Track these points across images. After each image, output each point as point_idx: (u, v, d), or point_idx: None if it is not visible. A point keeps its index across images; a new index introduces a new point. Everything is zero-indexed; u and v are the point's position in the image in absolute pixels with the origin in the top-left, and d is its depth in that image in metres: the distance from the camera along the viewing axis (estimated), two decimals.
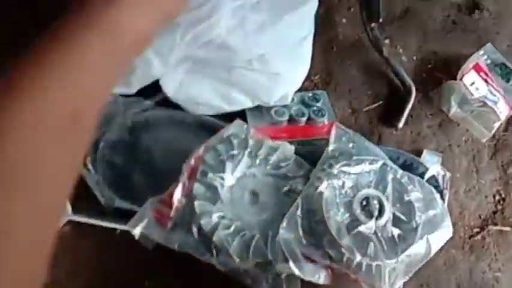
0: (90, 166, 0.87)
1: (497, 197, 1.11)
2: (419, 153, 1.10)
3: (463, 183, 1.10)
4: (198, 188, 0.80)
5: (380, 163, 0.85)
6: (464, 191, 1.10)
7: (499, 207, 1.10)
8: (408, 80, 1.15)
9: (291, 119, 1.00)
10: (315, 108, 1.03)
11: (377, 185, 0.83)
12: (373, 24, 1.13)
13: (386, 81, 1.18)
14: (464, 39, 1.25)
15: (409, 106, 1.14)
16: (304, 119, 1.00)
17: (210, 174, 0.81)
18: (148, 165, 0.91)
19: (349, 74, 1.19)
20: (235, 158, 0.83)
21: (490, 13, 1.28)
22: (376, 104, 1.15)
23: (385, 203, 0.81)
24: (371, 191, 0.81)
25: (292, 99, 1.03)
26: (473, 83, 1.15)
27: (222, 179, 0.82)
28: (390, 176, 0.84)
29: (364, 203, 0.80)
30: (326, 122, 1.03)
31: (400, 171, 0.86)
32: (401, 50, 1.23)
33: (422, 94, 1.18)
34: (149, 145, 0.93)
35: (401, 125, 1.12)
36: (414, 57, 1.23)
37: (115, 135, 0.92)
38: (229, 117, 0.95)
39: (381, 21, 1.12)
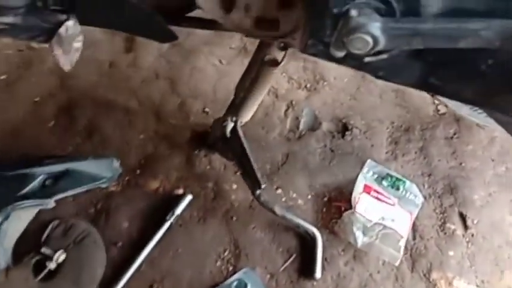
0: None
1: None
2: None
3: None
4: None
5: None
6: None
7: None
8: (311, 228, 1.18)
9: None
10: None
11: None
12: (258, 191, 1.17)
13: (292, 233, 1.21)
14: (345, 162, 1.31)
15: (319, 252, 1.17)
16: None
17: None
18: None
19: (255, 238, 1.21)
20: None
21: (360, 129, 1.35)
22: (290, 260, 1.18)
23: None
24: None
25: None
26: (366, 209, 1.19)
27: None
28: None
29: None
30: None
31: None
32: (294, 195, 1.27)
33: (328, 231, 1.21)
34: None
35: (319, 274, 1.15)
36: (309, 196, 1.27)
37: None
38: None
39: (263, 187, 1.16)
